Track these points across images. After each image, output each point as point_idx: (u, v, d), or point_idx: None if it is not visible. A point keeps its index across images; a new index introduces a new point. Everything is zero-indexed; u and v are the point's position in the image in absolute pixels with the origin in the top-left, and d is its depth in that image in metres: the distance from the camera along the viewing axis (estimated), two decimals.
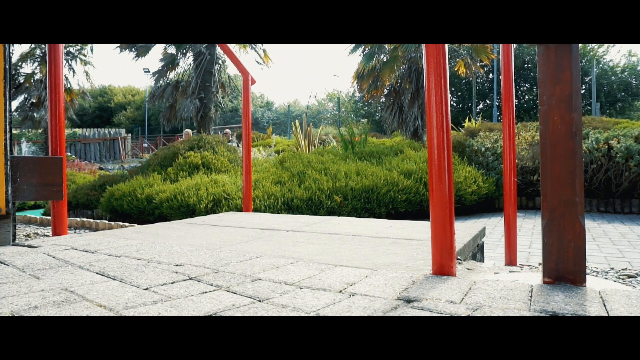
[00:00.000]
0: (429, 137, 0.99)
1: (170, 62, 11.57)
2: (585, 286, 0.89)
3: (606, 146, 5.27)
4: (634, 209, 5.04)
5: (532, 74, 24.65)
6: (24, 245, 1.42)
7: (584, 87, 23.53)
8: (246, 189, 2.51)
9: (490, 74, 24.10)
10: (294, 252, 1.28)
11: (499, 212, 5.19)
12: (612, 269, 2.14)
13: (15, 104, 14.08)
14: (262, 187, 4.69)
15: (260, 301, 0.82)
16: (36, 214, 5.61)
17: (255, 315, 0.75)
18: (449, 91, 1.01)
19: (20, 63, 13.84)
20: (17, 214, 5.23)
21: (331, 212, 4.37)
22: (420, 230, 1.67)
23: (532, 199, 5.60)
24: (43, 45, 12.93)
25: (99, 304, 0.80)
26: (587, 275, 0.92)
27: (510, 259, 1.79)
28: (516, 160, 2.02)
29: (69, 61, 14.46)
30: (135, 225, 3.57)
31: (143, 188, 5.21)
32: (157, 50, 11.46)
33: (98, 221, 4.57)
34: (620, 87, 25.04)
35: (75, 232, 4.13)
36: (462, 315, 0.74)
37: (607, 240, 3.31)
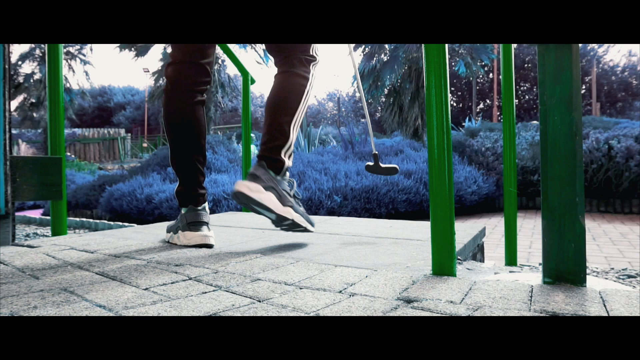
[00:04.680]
0: (429, 137, 0.99)
1: None
2: (586, 286, 0.89)
3: (606, 146, 5.26)
4: (634, 209, 5.04)
5: (532, 74, 24.67)
6: (23, 245, 1.42)
7: (584, 87, 23.54)
8: None
9: (490, 74, 24.09)
10: (294, 252, 1.28)
11: (499, 212, 5.19)
12: (612, 269, 2.14)
13: (14, 104, 14.07)
14: None
15: (260, 301, 0.82)
16: (36, 214, 5.60)
17: (255, 315, 0.75)
18: (449, 91, 1.00)
19: (19, 63, 13.83)
20: (16, 214, 5.23)
21: (331, 212, 4.37)
22: (420, 230, 1.67)
23: (532, 199, 5.60)
24: (43, 45, 12.92)
25: (99, 304, 0.80)
26: (587, 275, 0.92)
27: (511, 259, 1.79)
28: (516, 160, 2.02)
29: (69, 61, 14.45)
30: (135, 225, 3.57)
31: (143, 188, 5.21)
32: (157, 50, 11.43)
33: (97, 221, 4.57)
34: (620, 87, 25.03)
35: (74, 232, 4.13)
36: (463, 315, 0.74)
37: (607, 240, 3.31)
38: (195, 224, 1.36)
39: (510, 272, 1.22)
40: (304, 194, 4.40)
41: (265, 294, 0.87)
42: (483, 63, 9.23)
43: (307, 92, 1.38)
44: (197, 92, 1.37)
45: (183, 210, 1.41)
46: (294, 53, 1.38)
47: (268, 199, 1.24)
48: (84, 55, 14.72)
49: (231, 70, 12.39)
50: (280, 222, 1.31)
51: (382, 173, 1.72)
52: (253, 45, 11.04)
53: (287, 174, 1.35)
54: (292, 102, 1.34)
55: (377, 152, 1.72)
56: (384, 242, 1.44)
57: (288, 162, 1.33)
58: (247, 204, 1.24)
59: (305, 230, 1.37)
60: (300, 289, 0.91)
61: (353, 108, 29.00)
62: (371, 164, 1.72)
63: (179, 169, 1.40)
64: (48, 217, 4.85)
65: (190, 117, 1.36)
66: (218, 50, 11.57)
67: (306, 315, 0.75)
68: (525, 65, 24.68)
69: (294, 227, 1.35)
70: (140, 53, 11.16)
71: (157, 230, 1.75)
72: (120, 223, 4.44)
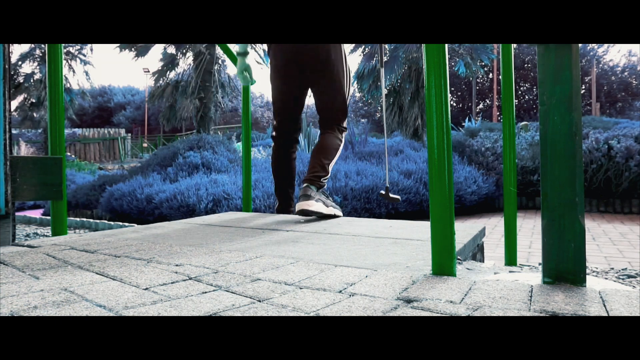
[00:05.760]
0: (428, 137, 0.99)
1: (170, 62, 11.57)
2: (585, 286, 0.89)
3: (606, 146, 5.26)
4: (634, 209, 5.04)
5: (532, 74, 24.68)
6: (23, 245, 1.42)
7: (584, 87, 23.53)
8: (246, 189, 2.51)
9: (490, 74, 24.09)
10: (294, 252, 1.28)
11: (499, 212, 5.19)
12: (612, 269, 2.14)
13: (14, 104, 14.07)
14: (262, 187, 4.69)
15: (260, 301, 0.82)
16: (36, 214, 5.60)
17: (255, 315, 0.75)
18: (449, 91, 1.00)
19: (19, 63, 13.83)
20: (16, 214, 5.23)
21: None
22: (420, 230, 1.67)
23: (532, 199, 5.60)
24: (43, 45, 12.93)
25: (99, 304, 0.80)
26: (587, 275, 0.92)
27: (510, 259, 1.79)
28: (516, 160, 2.03)
29: (69, 61, 14.45)
30: (135, 225, 3.57)
31: (143, 188, 5.21)
32: (157, 50, 11.44)
33: (97, 221, 4.58)
34: (620, 87, 25.02)
35: (75, 232, 4.13)
36: (462, 315, 0.74)
37: (607, 240, 3.31)
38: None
39: (510, 272, 1.22)
40: None
41: (265, 294, 0.87)
42: (483, 63, 9.23)
43: (340, 148, 2.16)
44: (292, 147, 2.26)
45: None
46: (335, 123, 2.16)
47: (319, 207, 1.95)
48: (84, 55, 14.72)
49: (231, 70, 12.39)
50: (325, 218, 2.01)
51: (389, 200, 2.17)
52: (253, 45, 11.03)
53: (325, 186, 2.10)
54: (332, 151, 2.11)
55: (388, 186, 2.19)
56: (384, 242, 1.44)
57: (324, 184, 2.07)
58: (308, 215, 1.92)
59: (335, 216, 2.08)
60: (300, 289, 0.91)
61: (353, 108, 28.99)
62: (383, 192, 2.18)
63: (278, 194, 2.27)
64: (48, 217, 4.85)
65: (288, 163, 2.25)
66: (218, 50, 11.53)
67: (306, 315, 0.75)
68: (525, 65, 24.68)
69: (333, 217, 2.06)
70: (140, 53, 11.16)
71: (157, 230, 1.75)
72: (121, 223, 4.45)
